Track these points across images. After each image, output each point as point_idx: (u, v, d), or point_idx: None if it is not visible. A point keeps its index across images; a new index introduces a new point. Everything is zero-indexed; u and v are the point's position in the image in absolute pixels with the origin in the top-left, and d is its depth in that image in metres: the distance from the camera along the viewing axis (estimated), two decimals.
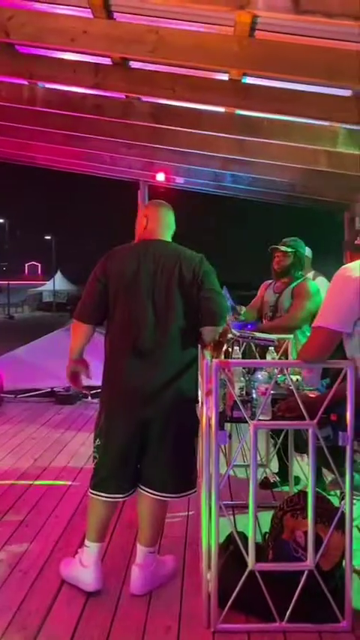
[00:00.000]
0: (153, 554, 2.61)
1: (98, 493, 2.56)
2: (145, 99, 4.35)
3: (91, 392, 5.12)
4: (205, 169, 6.29)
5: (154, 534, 2.62)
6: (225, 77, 3.66)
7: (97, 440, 2.59)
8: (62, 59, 3.80)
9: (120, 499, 2.58)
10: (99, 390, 2.68)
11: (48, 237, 65.06)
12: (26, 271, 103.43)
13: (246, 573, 2.33)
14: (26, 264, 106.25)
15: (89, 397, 6.22)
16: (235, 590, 2.34)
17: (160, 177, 6.61)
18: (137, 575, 2.54)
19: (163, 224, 2.72)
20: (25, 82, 4.34)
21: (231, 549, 2.51)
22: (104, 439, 2.56)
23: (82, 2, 2.98)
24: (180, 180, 6.87)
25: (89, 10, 3.02)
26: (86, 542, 2.60)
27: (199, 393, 2.67)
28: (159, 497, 2.55)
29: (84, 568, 2.55)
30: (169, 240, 2.72)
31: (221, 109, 4.27)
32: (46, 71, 3.83)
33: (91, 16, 3.06)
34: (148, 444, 2.52)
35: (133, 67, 3.76)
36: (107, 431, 2.55)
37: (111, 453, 2.54)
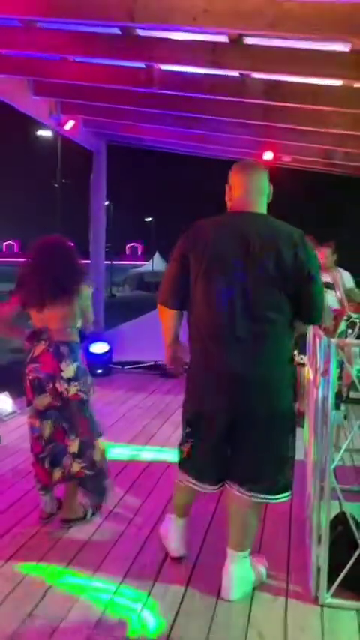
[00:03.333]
0: (245, 558, 2.43)
1: (189, 480, 2.44)
2: (257, 76, 4.32)
3: None
4: (315, 146, 6.12)
5: (243, 538, 2.41)
6: (347, 49, 3.54)
7: (187, 428, 2.43)
8: (179, 40, 3.85)
9: (209, 491, 2.44)
10: None
11: (148, 219, 66.53)
12: (127, 252, 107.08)
13: (358, 552, 2.33)
14: (127, 245, 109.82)
15: None
16: (344, 568, 2.35)
17: (268, 155, 6.51)
18: (227, 582, 2.38)
19: (253, 190, 2.29)
20: (143, 65, 4.45)
21: (340, 529, 2.52)
22: (194, 429, 2.39)
23: None
24: (287, 158, 6.74)
25: None
26: (172, 515, 2.66)
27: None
28: (247, 497, 2.33)
29: (170, 536, 2.65)
30: (264, 210, 2.31)
31: (339, 82, 4.14)
32: (164, 53, 3.91)
33: None
34: (241, 438, 2.30)
35: (249, 43, 3.74)
36: (198, 420, 2.37)
37: (202, 444, 2.37)
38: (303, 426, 4.47)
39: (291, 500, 3.25)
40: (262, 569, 2.53)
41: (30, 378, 2.87)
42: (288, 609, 2.32)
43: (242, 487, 2.33)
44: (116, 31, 3.92)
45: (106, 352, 6.92)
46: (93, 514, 3.07)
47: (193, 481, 2.43)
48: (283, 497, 2.37)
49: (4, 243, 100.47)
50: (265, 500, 2.36)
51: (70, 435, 2.89)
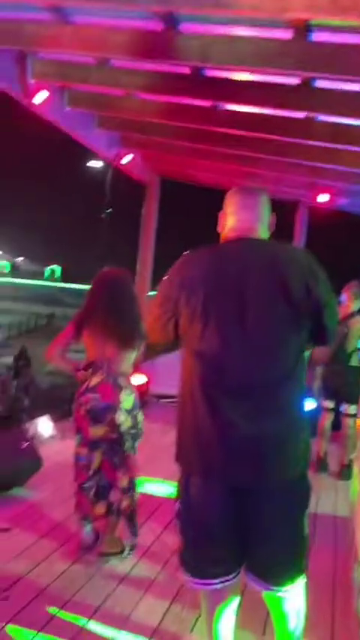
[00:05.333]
0: None
1: (190, 578, 1.94)
2: (323, 118, 4.34)
3: None
4: None
5: (289, 632, 1.96)
6: None
7: (177, 503, 1.95)
8: (248, 81, 3.92)
9: (218, 585, 1.89)
10: None
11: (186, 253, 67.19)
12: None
13: None
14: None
15: None
16: None
17: (324, 198, 6.49)
18: None
19: (252, 216, 1.95)
20: (207, 104, 4.54)
21: None
22: (185, 506, 1.91)
23: (281, 23, 3.06)
24: (343, 201, 6.71)
25: (290, 30, 3.08)
26: None
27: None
28: (269, 591, 1.90)
29: None
30: (265, 235, 1.98)
31: None
32: (231, 93, 3.99)
33: (289, 36, 3.13)
34: (249, 519, 1.84)
35: (318, 86, 3.77)
36: (188, 496, 1.89)
37: (194, 525, 1.89)
38: (347, 479, 4.31)
39: (334, 558, 3.13)
40: None
41: (87, 407, 2.85)
42: None
43: (260, 580, 1.90)
44: (186, 70, 4.02)
45: (144, 384, 6.89)
46: (131, 550, 3.00)
47: (194, 579, 1.94)
48: (300, 584, 1.93)
49: (48, 268, 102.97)
50: (285, 592, 1.90)
51: (119, 470, 2.85)
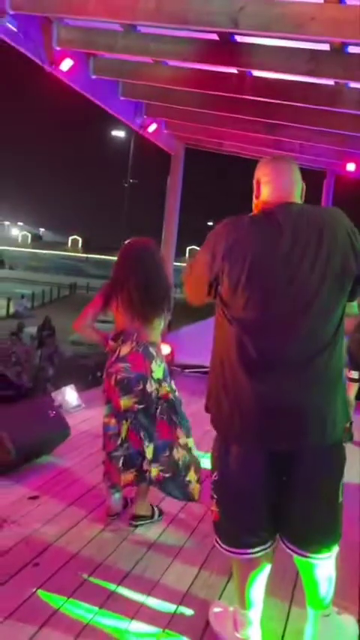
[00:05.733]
0: (328, 617, 2.06)
1: (227, 547, 1.99)
2: (353, 85, 4.21)
3: None
4: None
5: (320, 598, 2.03)
6: None
7: (215, 474, 1.99)
8: (278, 46, 3.81)
9: (255, 555, 1.95)
10: None
11: (210, 223, 66.82)
12: (187, 254, 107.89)
13: None
14: (187, 248, 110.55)
15: None
16: None
17: (351, 167, 6.36)
18: None
19: (287, 181, 1.92)
20: (235, 71, 4.43)
21: None
22: (221, 476, 1.96)
23: None
24: None
25: None
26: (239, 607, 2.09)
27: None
28: (304, 559, 1.96)
29: (238, 635, 2.07)
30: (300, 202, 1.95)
31: None
32: (260, 60, 3.88)
33: (321, 0, 3.01)
34: (287, 486, 1.89)
35: (351, 52, 3.65)
36: (227, 465, 1.92)
37: (233, 495, 1.93)
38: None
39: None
40: (352, 628, 2.16)
41: (118, 377, 2.88)
42: None
43: (296, 547, 1.94)
44: (214, 36, 3.91)
45: (168, 354, 6.94)
46: (160, 516, 3.07)
47: (231, 549, 1.99)
48: (335, 553, 1.99)
49: (70, 238, 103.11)
50: (321, 560, 1.95)
51: (144, 441, 2.89)
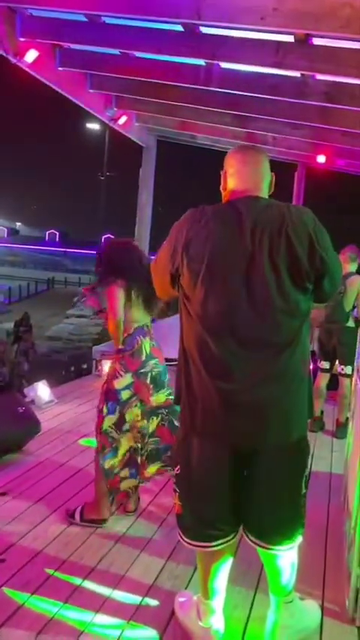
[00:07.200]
0: (290, 603, 2.10)
1: (189, 541, 1.99)
2: (320, 77, 4.23)
3: None
4: None
5: (283, 585, 2.05)
6: None
7: (177, 467, 1.99)
8: (244, 38, 3.80)
9: (217, 547, 1.96)
10: None
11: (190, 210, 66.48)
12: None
13: None
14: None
15: None
16: None
17: (321, 159, 6.41)
18: (272, 631, 2.07)
19: (253, 174, 1.89)
20: (203, 63, 4.42)
21: None
22: (183, 470, 1.95)
23: None
24: (342, 162, 6.61)
25: None
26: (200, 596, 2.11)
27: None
28: (267, 551, 1.97)
29: (200, 624, 2.08)
30: (266, 196, 1.92)
31: None
32: (226, 51, 3.87)
33: None
34: (249, 481, 1.89)
35: (315, 44, 3.66)
36: (188, 458, 1.92)
37: (195, 489, 1.93)
38: (342, 437, 4.38)
39: (327, 513, 3.22)
40: (315, 613, 2.24)
41: (154, 373, 2.86)
42: (323, 629, 2.26)
43: (258, 539, 1.95)
44: (179, 28, 3.89)
45: None
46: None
47: (193, 542, 1.99)
48: (297, 544, 2.00)
49: (47, 232, 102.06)
50: (282, 552, 1.96)
51: (174, 432, 2.83)
